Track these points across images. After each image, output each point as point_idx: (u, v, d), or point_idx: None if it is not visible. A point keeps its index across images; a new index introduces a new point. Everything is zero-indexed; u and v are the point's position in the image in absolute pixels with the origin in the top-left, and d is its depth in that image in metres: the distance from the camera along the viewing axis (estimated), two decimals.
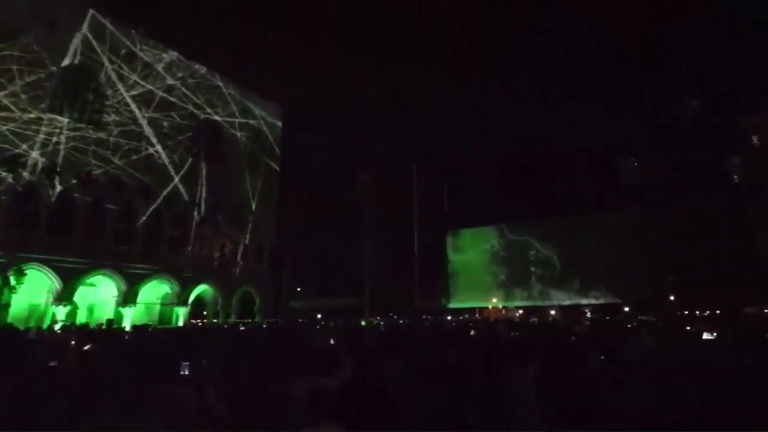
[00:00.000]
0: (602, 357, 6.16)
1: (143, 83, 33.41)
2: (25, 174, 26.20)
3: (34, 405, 3.78)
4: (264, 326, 27.02)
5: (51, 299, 27.01)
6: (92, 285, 29.99)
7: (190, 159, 35.68)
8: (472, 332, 13.58)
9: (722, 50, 42.22)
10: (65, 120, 28.19)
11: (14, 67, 26.38)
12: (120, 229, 30.68)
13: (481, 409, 3.15)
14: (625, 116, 44.29)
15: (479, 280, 56.56)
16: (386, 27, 61.24)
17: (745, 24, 37.47)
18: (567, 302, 49.99)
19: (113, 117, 31.17)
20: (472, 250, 58.37)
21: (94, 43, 30.54)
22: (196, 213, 35.46)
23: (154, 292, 33.86)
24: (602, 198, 47.00)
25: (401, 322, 33.88)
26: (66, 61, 28.78)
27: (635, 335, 10.39)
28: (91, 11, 30.54)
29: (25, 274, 24.79)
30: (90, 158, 29.34)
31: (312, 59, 58.05)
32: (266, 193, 41.66)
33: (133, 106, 32.52)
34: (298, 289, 53.03)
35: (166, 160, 34.15)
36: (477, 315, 52.33)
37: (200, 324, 33.03)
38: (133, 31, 33.38)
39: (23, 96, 26.61)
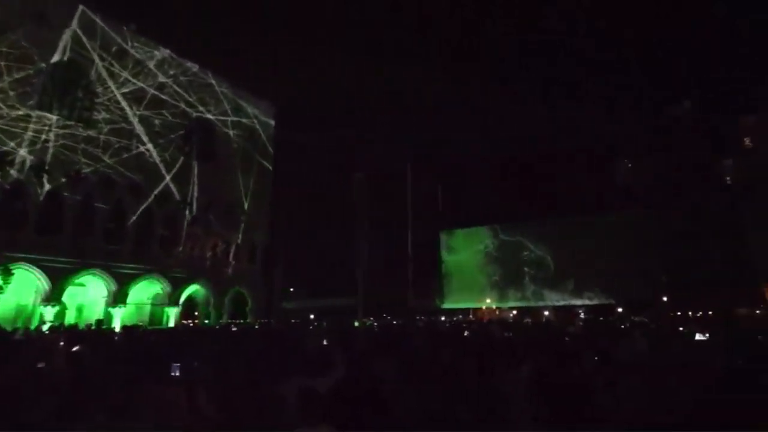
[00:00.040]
0: (596, 358, 6.19)
1: (134, 81, 33.15)
2: (13, 172, 25.90)
3: (22, 406, 3.74)
4: (256, 327, 26.93)
5: (39, 299, 26.72)
6: (81, 285, 29.70)
7: (182, 158, 35.45)
8: (465, 333, 13.61)
9: (722, 50, 42.68)
10: (54, 117, 27.90)
11: (2, 63, 26.08)
12: (110, 228, 30.41)
13: (474, 410, 3.15)
14: (625, 116, 44.66)
15: (473, 281, 56.72)
16: (386, 27, 61.31)
17: (745, 24, 37.88)
18: (561, 303, 50.26)
19: (103, 115, 30.90)
20: (466, 251, 58.53)
21: (84, 39, 30.26)
22: (187, 212, 35.24)
23: (145, 292, 33.60)
24: (596, 199, 47.31)
25: (395, 322, 33.88)
26: (55, 58, 28.49)
27: (628, 336, 10.47)
28: (81, 7, 30.27)
29: (13, 274, 24.51)
30: (79, 156, 29.06)
31: (306, 58, 58.00)
32: (259, 192, 41.51)
33: (123, 104, 32.25)
34: (291, 289, 52.91)
35: (158, 159, 33.91)
36: (471, 316, 52.46)
37: (191, 325, 32.83)
38: (125, 28, 33.12)
39: (11, 93, 26.30)
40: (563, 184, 49.50)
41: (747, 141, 33.50)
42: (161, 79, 35.05)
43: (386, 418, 2.37)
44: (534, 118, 49.57)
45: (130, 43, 33.27)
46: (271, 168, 43.81)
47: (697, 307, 36.68)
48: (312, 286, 52.91)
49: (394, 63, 51.22)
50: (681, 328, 16.35)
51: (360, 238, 45.54)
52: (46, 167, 27.01)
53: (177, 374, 4.94)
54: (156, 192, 33.39)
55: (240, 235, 38.95)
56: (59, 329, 16.18)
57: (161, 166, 34.06)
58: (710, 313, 34.75)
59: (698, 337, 11.27)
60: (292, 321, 34.17)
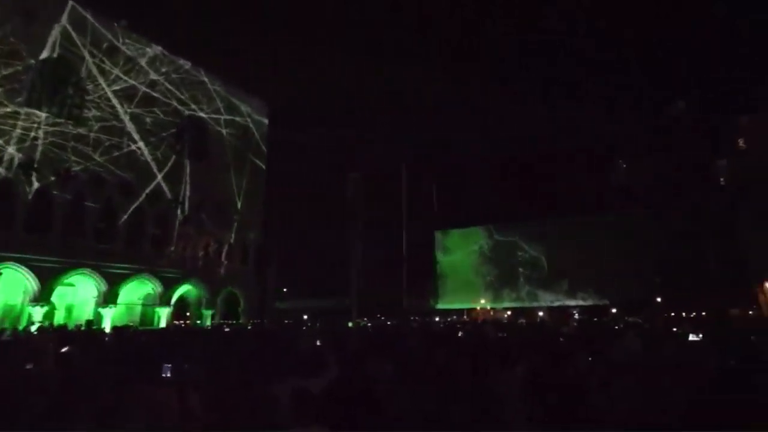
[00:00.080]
0: (589, 358, 6.23)
1: (125, 78, 32.91)
2: (1, 170, 25.64)
3: (10, 408, 3.70)
4: (248, 327, 26.86)
5: (27, 300, 26.46)
6: (71, 285, 29.46)
7: (174, 156, 35.24)
8: (459, 333, 13.66)
9: (722, 50, 43.06)
10: (43, 115, 27.62)
11: None
12: (100, 227, 30.17)
13: (468, 410, 3.16)
14: (625, 116, 44.96)
15: (468, 281, 56.88)
16: (384, 26, 61.30)
17: (745, 24, 38.22)
18: (555, 303, 50.52)
19: (94, 112, 30.65)
20: (460, 251, 58.69)
21: (74, 35, 29.99)
22: (179, 211, 35.05)
23: (136, 292, 33.38)
24: (591, 199, 47.59)
25: (389, 323, 33.91)
26: (44, 54, 28.22)
27: (622, 336, 10.55)
28: (70, 3, 30.00)
29: (0, 274, 24.26)
30: (69, 154, 28.80)
31: (301, 56, 57.90)
32: (252, 191, 41.37)
33: (114, 102, 32.01)
34: (284, 289, 52.78)
35: (149, 157, 33.69)
36: (465, 316, 52.63)
37: (183, 325, 32.68)
38: (116, 25, 32.86)
39: None
40: (559, 185, 49.77)
41: (741, 142, 33.84)
42: (153, 76, 34.82)
43: (380, 418, 2.37)
44: (532, 118, 49.81)
45: (121, 40, 33.01)
46: (264, 167, 43.66)
47: (691, 308, 37.01)
48: (305, 287, 52.81)
49: (390, 62, 51.31)
50: (675, 329, 16.50)
51: (354, 238, 45.56)
52: (35, 165, 26.75)
53: (168, 375, 4.92)
54: (147, 191, 33.18)
55: (233, 235, 38.80)
56: (48, 330, 16.04)
57: (153, 165, 33.85)
58: (704, 313, 35.09)
59: (692, 337, 11.37)
60: (285, 321, 34.10)
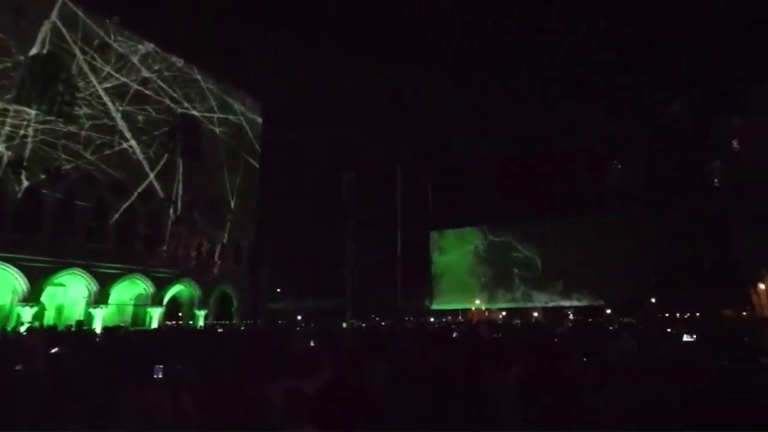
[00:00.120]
0: (584, 359, 6.27)
1: (117, 75, 32.69)
2: None
3: None
4: (242, 328, 26.77)
5: (16, 300, 26.22)
6: (61, 285, 29.23)
7: (166, 155, 35.04)
8: (454, 334, 13.69)
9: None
10: (33, 112, 27.38)
11: None
12: (91, 226, 29.95)
13: (463, 411, 3.17)
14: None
15: (463, 282, 57.06)
16: (381, 25, 61.32)
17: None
18: (550, 304, 50.77)
19: (85, 110, 30.41)
20: (455, 251, 58.85)
21: (65, 31, 29.74)
22: (172, 211, 34.86)
23: (127, 292, 33.17)
24: (586, 200, 47.86)
25: (383, 324, 33.90)
26: (34, 50, 27.96)
27: (617, 337, 10.61)
28: None
29: None
30: (60, 152, 28.57)
31: (296, 54, 57.64)
32: (245, 190, 41.22)
33: (106, 99, 31.78)
34: (278, 290, 52.65)
35: (141, 156, 33.48)
36: (460, 317, 52.75)
37: (175, 325, 32.50)
38: (107, 21, 32.63)
39: None
40: (554, 185, 50.03)
41: (735, 143, 34.15)
42: (145, 74, 34.61)
43: (374, 418, 2.37)
44: (531, 119, 49.97)
45: (112, 37, 32.78)
46: (258, 166, 43.53)
47: (685, 309, 37.31)
48: (300, 287, 52.71)
49: (388, 61, 51.20)
50: (669, 330, 16.63)
51: (348, 238, 45.54)
52: (25, 163, 26.50)
53: (160, 376, 4.89)
54: (139, 190, 32.98)
55: (226, 235, 38.65)
56: (38, 330, 15.91)
57: (145, 164, 33.65)
58: (698, 314, 35.39)
59: (686, 338, 11.47)
60: (279, 322, 34.01)
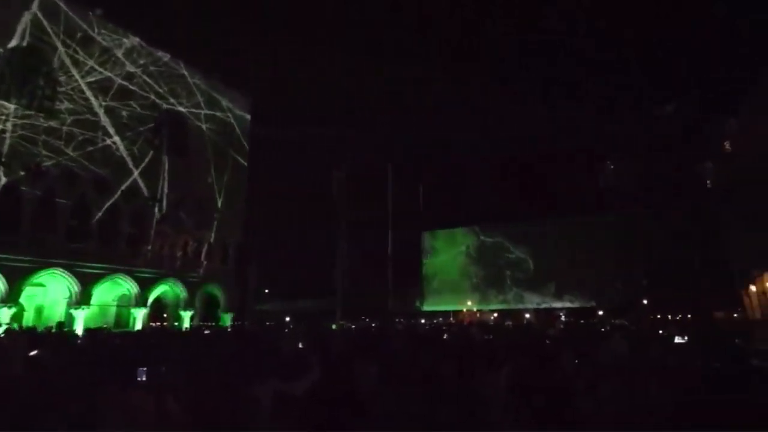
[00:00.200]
0: (576, 361, 6.32)
1: (101, 69, 32.31)
2: None
3: None
4: (228, 329, 26.59)
5: None
6: (41, 285, 28.83)
7: (151, 152, 34.70)
8: (444, 336, 13.74)
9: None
10: (12, 106, 26.97)
11: None
12: (73, 225, 29.58)
13: (454, 413, 3.18)
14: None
15: (454, 283, 57.27)
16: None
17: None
18: (542, 305, 51.14)
19: (66, 105, 30.02)
20: (447, 252, 59.03)
21: (46, 23, 29.33)
22: (156, 209, 34.55)
23: (110, 293, 32.82)
24: (580, 201, 48.28)
25: (373, 325, 33.91)
26: (13, 43, 27.54)
27: (608, 339, 10.72)
28: None
29: None
30: (40, 148, 28.17)
31: (286, 50, 57.33)
32: (233, 189, 40.96)
33: (88, 94, 31.40)
34: (266, 290, 52.40)
35: (125, 153, 33.13)
36: (451, 318, 52.94)
37: (160, 327, 32.20)
38: (90, 13, 32.23)
39: None
40: (547, 186, 50.41)
41: (727, 145, 34.65)
42: (130, 68, 34.25)
43: (364, 420, 2.37)
44: (528, 119, 50.34)
45: (96, 30, 32.39)
46: (246, 164, 43.27)
47: (677, 310, 37.79)
48: (288, 288, 52.51)
49: (384, 60, 51.23)
50: (661, 331, 16.86)
51: (338, 238, 45.42)
52: (3, 159, 26.11)
53: (143, 379, 4.84)
54: (123, 187, 32.63)
55: (212, 234, 38.38)
56: (17, 332, 15.67)
57: (129, 160, 33.30)
58: (689, 316, 35.86)
59: (677, 339, 11.64)
60: (267, 323, 33.84)
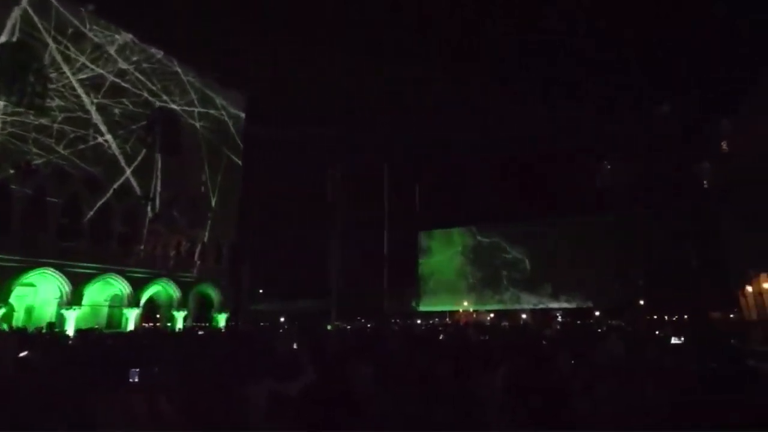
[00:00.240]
0: (572, 362, 6.35)
1: (92, 66, 32.12)
2: None
3: None
4: (222, 330, 26.54)
5: None
6: (31, 285, 28.65)
7: (144, 150, 34.54)
8: (440, 336, 13.79)
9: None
10: (1, 104, 26.80)
11: None
12: (64, 224, 29.40)
13: (450, 413, 3.19)
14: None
15: (450, 283, 57.36)
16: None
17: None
18: (539, 306, 51.32)
19: (57, 102, 29.83)
20: (443, 252, 59.12)
21: (36, 19, 29.12)
22: (149, 208, 34.40)
23: (102, 293, 32.65)
24: (576, 201, 48.46)
25: (369, 325, 33.96)
26: (2, 39, 27.33)
27: (605, 339, 10.79)
28: None
29: None
30: (30, 146, 27.98)
31: (282, 47, 57.21)
32: (227, 188, 40.83)
33: (80, 91, 31.21)
34: (261, 291, 52.31)
35: (117, 151, 32.96)
36: (447, 318, 53.06)
37: (153, 327, 32.09)
38: (82, 9, 32.02)
39: None
40: (545, 186, 50.57)
41: (724, 145, 34.89)
42: (122, 65, 34.07)
43: (359, 420, 2.38)
44: (527, 119, 50.49)
45: (88, 26, 32.19)
46: (240, 163, 43.15)
47: (674, 311, 38.04)
48: (283, 288, 52.45)
49: (384, 60, 51.19)
50: (657, 332, 16.97)
51: (334, 237, 45.38)
52: None
53: (136, 381, 4.82)
54: (115, 186, 32.47)
55: (206, 233, 38.26)
56: (6, 333, 15.57)
57: (121, 159, 33.13)
58: (686, 316, 36.11)
59: (674, 340, 11.73)
60: (261, 324, 33.79)
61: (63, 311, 28.75)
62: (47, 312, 29.01)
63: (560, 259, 49.45)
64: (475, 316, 53.52)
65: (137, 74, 35.05)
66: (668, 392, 4.00)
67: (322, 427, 2.25)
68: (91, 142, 31.37)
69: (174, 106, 37.56)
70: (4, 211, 26.45)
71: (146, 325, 32.87)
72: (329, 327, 31.74)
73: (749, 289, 29.79)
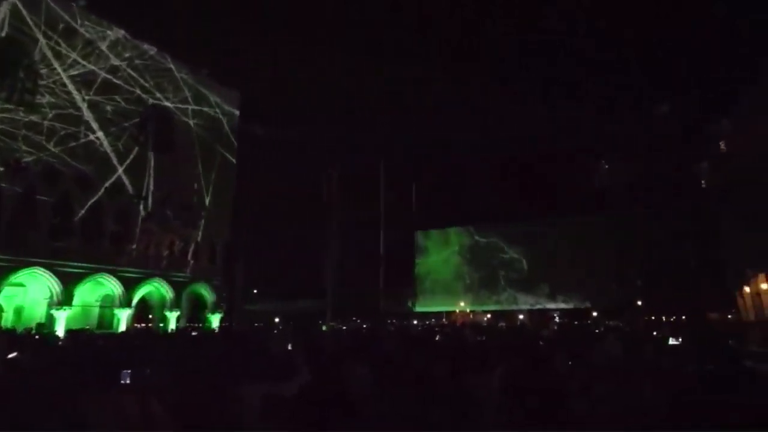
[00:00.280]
0: (569, 362, 6.38)
1: (84, 62, 31.93)
2: None
3: None
4: (215, 330, 26.50)
5: None
6: (20, 285, 28.49)
7: (137, 148, 34.39)
8: (437, 337, 13.81)
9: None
10: None
11: None
12: (54, 223, 29.23)
13: (447, 414, 3.20)
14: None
15: (447, 283, 57.43)
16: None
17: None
18: (536, 307, 51.45)
19: (48, 98, 29.65)
20: (440, 252, 59.17)
21: (26, 14, 28.92)
22: (142, 207, 34.25)
23: (93, 293, 32.51)
24: (574, 201, 48.62)
25: (364, 326, 33.96)
26: None
27: (602, 340, 10.84)
28: None
29: None
30: (20, 144, 27.80)
31: (278, 44, 57.00)
32: (221, 186, 40.70)
33: (71, 88, 31.03)
34: (255, 291, 52.20)
35: (109, 149, 32.78)
36: (444, 319, 53.12)
37: (145, 328, 32.02)
38: (73, 4, 31.84)
39: None
40: (543, 186, 50.73)
41: (722, 145, 35.09)
42: (114, 61, 33.87)
43: (355, 421, 2.38)
44: (527, 118, 50.66)
45: (79, 21, 32.00)
46: (234, 161, 43.00)
47: (671, 312, 38.22)
48: (278, 288, 52.34)
49: (378, 59, 51.18)
50: (655, 333, 17.05)
51: (329, 237, 45.33)
52: None
53: (127, 382, 4.82)
54: (107, 184, 32.30)
55: (200, 233, 38.13)
56: None
57: (113, 157, 32.96)
58: (684, 317, 36.31)
59: (672, 341, 11.80)
60: (256, 324, 33.74)
61: (53, 312, 28.60)
62: (37, 312, 28.87)
63: (558, 260, 49.59)
64: (471, 316, 53.60)
65: (129, 71, 34.87)
66: (666, 393, 4.02)
67: (317, 428, 2.25)
68: (83, 140, 31.20)
69: (167, 104, 37.39)
70: None
71: (138, 325, 32.80)
72: (324, 327, 31.72)
73: (747, 289, 29.99)
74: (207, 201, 39.22)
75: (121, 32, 34.57)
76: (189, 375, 4.78)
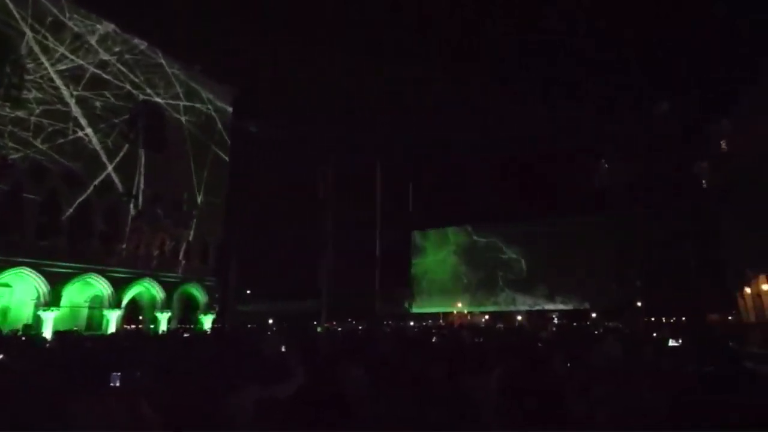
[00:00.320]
0: (568, 363, 6.41)
1: (72, 57, 31.76)
2: None
3: None
4: (207, 332, 26.44)
5: None
6: (6, 285, 28.34)
7: (127, 145, 34.25)
8: (434, 339, 13.84)
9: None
10: None
11: None
12: (41, 222, 29.08)
13: (443, 415, 3.21)
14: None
15: (444, 284, 57.53)
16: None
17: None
18: (535, 308, 51.63)
19: (35, 94, 29.47)
20: (437, 252, 59.25)
21: (12, 7, 28.73)
22: (132, 205, 34.12)
23: (81, 293, 32.38)
24: (573, 201, 48.84)
25: (360, 327, 33.99)
26: None
27: (602, 341, 10.89)
28: None
29: None
30: (6, 140, 27.62)
31: (274, 40, 56.86)
32: (213, 185, 40.59)
33: (59, 83, 30.86)
34: (248, 291, 52.12)
35: (98, 146, 32.63)
36: (441, 320, 53.22)
37: (135, 330, 31.91)
38: None
39: None
40: (542, 186, 50.93)
41: (723, 145, 35.32)
42: (104, 56, 33.70)
43: (350, 423, 2.38)
44: (527, 118, 50.86)
45: (67, 15, 31.82)
46: (227, 159, 42.89)
47: (671, 313, 38.45)
48: (271, 289, 52.31)
49: (378, 58, 51.21)
50: (655, 334, 17.16)
51: (324, 237, 45.31)
52: None
53: (117, 385, 4.79)
54: (96, 182, 32.15)
55: (192, 232, 38.02)
56: None
57: (102, 154, 32.80)
58: (683, 318, 36.54)
59: (671, 342, 11.87)
60: (249, 325, 33.70)
61: (40, 313, 28.45)
62: (23, 313, 28.74)
63: (557, 260, 49.79)
64: (469, 317, 53.76)
65: (119, 66, 34.70)
66: (666, 394, 4.05)
67: (312, 429, 2.26)
68: (71, 136, 31.04)
69: (158, 100, 37.25)
70: None
71: (128, 327, 32.69)
72: (319, 329, 31.73)
73: (748, 290, 30.22)
74: (199, 199, 39.11)
75: (111, 26, 34.38)
76: (180, 377, 4.77)
